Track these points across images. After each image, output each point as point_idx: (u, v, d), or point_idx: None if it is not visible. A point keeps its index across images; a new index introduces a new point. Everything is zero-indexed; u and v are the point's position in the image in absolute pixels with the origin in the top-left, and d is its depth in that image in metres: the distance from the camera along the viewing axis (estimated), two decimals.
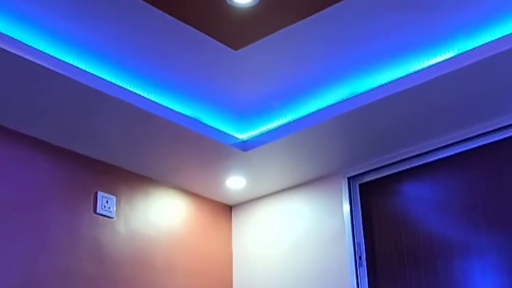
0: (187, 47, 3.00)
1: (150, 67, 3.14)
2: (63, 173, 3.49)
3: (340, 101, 3.34)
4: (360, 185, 3.81)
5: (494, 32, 2.93)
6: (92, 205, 3.56)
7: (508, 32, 2.90)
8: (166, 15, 2.71)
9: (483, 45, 2.95)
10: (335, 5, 2.71)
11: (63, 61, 2.96)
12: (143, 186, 3.84)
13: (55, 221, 3.38)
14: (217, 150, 3.62)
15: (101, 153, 3.60)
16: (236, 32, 2.84)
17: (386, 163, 3.70)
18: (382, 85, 3.21)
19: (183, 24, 2.77)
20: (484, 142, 3.41)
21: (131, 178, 3.79)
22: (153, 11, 2.71)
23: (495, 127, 3.35)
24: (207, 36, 2.85)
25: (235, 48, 2.95)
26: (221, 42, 2.89)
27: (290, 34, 2.91)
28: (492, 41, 2.93)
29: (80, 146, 3.53)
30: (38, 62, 2.84)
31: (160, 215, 3.88)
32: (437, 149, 3.54)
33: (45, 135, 3.41)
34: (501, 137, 3.36)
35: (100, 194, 3.60)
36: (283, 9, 2.70)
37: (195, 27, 2.78)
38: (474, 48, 2.97)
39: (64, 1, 2.71)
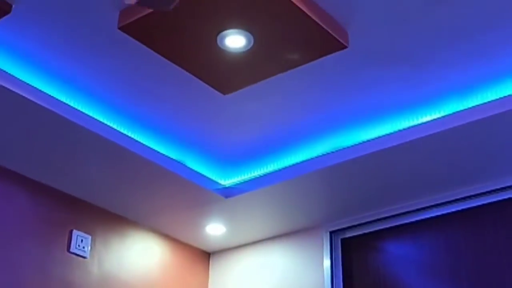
0: (175, 87, 2.97)
1: (135, 106, 3.11)
2: (39, 208, 3.41)
3: (326, 154, 3.32)
4: (342, 240, 3.76)
5: (482, 96, 2.94)
6: (66, 244, 3.48)
7: (497, 97, 2.90)
8: (155, 54, 2.68)
9: (471, 108, 2.96)
10: (326, 57, 2.69)
11: (44, 93, 2.91)
12: (120, 227, 3.77)
13: (28, 258, 3.29)
14: (199, 195, 3.57)
15: (79, 190, 3.54)
16: (227, 76, 2.81)
17: (370, 219, 3.67)
18: (368, 141, 3.20)
19: (171, 64, 2.75)
20: (468, 206, 3.39)
21: (108, 217, 3.72)
22: (141, 50, 2.68)
23: (480, 191, 3.35)
24: (196, 79, 2.83)
25: (224, 92, 2.92)
26: (211, 85, 2.86)
27: (279, 82, 2.89)
28: (480, 104, 2.93)
29: (58, 182, 3.46)
30: (17, 91, 2.80)
31: (135, 258, 3.79)
32: (421, 209, 3.52)
33: (21, 168, 3.34)
34: (485, 202, 3.35)
35: (75, 232, 3.52)
36: (275, 57, 2.68)
37: (185, 69, 2.75)
38: (461, 110, 2.97)
39: (51, 35, 2.67)
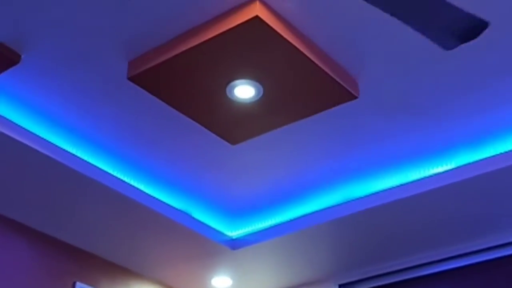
0: (183, 138, 2.95)
1: (141, 155, 3.08)
2: (42, 259, 3.35)
3: (335, 205, 3.27)
4: None
5: (493, 147, 2.91)
6: None
7: (507, 149, 2.87)
8: (163, 104, 2.67)
9: (482, 159, 2.92)
10: (335, 108, 2.67)
11: (49, 142, 2.90)
12: (124, 279, 3.69)
13: None
14: (205, 246, 3.51)
15: (82, 240, 3.48)
16: (235, 126, 2.79)
17: (379, 272, 3.61)
18: (378, 192, 3.16)
19: (180, 114, 2.73)
20: (481, 259, 3.33)
21: (112, 269, 3.65)
22: (149, 99, 2.66)
23: (493, 244, 3.29)
24: (204, 129, 2.80)
25: (233, 142, 2.89)
26: (219, 135, 2.84)
27: (287, 132, 2.86)
28: (492, 156, 2.90)
29: (61, 232, 3.41)
30: (21, 140, 2.78)
31: None
32: (432, 263, 3.47)
33: (23, 218, 3.29)
34: (498, 255, 3.28)
35: (78, 285, 3.45)
36: (285, 107, 2.66)
37: (194, 119, 2.73)
38: (473, 162, 2.94)
39: (60, 86, 2.67)
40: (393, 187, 3.12)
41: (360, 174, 3.16)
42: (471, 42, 2.38)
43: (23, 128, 2.81)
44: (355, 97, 2.61)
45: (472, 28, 1.91)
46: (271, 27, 2.28)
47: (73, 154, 2.97)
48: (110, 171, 3.10)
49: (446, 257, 3.42)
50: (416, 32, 2.35)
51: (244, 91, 2.57)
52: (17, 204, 3.18)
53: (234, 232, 3.59)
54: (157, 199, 3.28)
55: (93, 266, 3.57)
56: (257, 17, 2.24)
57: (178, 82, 2.53)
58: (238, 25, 2.27)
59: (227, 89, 2.56)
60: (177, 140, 2.97)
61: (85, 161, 3.01)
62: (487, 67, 2.54)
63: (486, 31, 2.33)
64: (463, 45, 2.41)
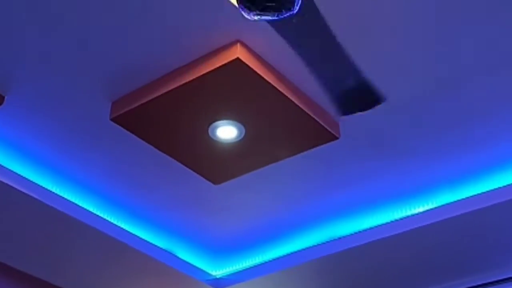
0: (166, 178, 2.96)
1: (125, 195, 3.08)
2: None
3: (317, 244, 3.27)
4: None
5: (475, 187, 2.93)
6: None
7: (489, 188, 2.90)
8: (148, 145, 2.68)
9: (464, 199, 2.95)
10: (318, 147, 2.69)
11: (40, 186, 2.90)
12: None
13: None
14: (189, 286, 3.50)
15: (67, 282, 3.45)
16: (218, 166, 2.80)
17: None
18: (361, 231, 3.16)
19: (164, 155, 2.74)
20: None
21: None
22: (132, 140, 2.68)
23: (477, 283, 3.27)
24: (188, 169, 2.81)
25: (215, 182, 2.90)
26: (202, 175, 2.85)
27: (270, 172, 2.88)
28: (473, 196, 2.92)
29: (50, 275, 3.39)
30: (9, 183, 2.78)
31: None
32: None
33: (13, 262, 3.26)
34: None
35: None
36: (266, 147, 2.69)
37: (177, 159, 2.75)
38: (455, 201, 2.96)
39: (44, 127, 2.68)
40: (376, 226, 3.13)
41: (342, 213, 3.17)
42: (451, 83, 2.44)
43: (6, 168, 2.81)
44: (336, 138, 2.63)
45: (369, 101, 1.99)
46: (251, 69, 2.32)
47: (58, 195, 2.97)
48: (95, 211, 3.10)
49: None
50: (395, 73, 2.40)
51: (226, 131, 2.59)
52: (8, 249, 3.16)
53: (218, 271, 3.57)
54: (141, 238, 3.27)
55: None
56: (237, 59, 2.27)
57: (160, 123, 2.55)
58: (220, 66, 2.31)
59: (210, 130, 2.58)
60: (161, 180, 2.98)
61: (70, 201, 3.01)
62: (467, 109, 2.58)
63: (459, 71, 2.39)
64: (441, 86, 2.47)
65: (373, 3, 2.16)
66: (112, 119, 2.54)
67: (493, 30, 2.25)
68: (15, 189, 2.79)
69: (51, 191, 2.94)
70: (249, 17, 1.50)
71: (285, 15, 1.50)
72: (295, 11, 1.49)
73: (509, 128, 2.68)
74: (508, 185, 2.85)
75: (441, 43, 2.30)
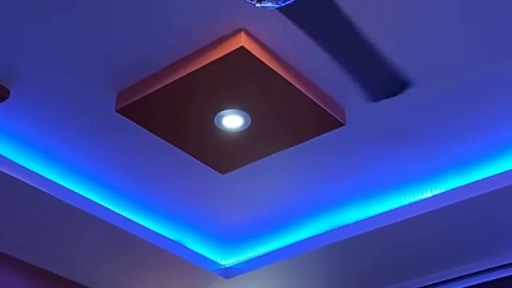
0: (172, 168, 2.96)
1: (132, 187, 3.09)
2: None
3: (326, 232, 3.27)
4: None
5: (483, 171, 2.92)
6: None
7: (497, 172, 2.89)
8: (154, 136, 2.68)
9: (471, 183, 2.93)
10: (324, 135, 2.69)
11: (47, 179, 2.91)
12: None
13: None
14: (198, 276, 3.50)
15: (74, 274, 3.47)
16: (224, 156, 2.80)
17: None
18: (369, 218, 3.16)
19: (170, 145, 2.74)
20: (472, 283, 3.32)
21: None
22: (139, 131, 2.68)
23: (484, 268, 3.28)
24: (194, 159, 2.82)
25: (223, 172, 2.90)
26: (209, 165, 2.85)
27: (277, 161, 2.88)
28: (481, 180, 2.91)
29: (58, 267, 3.41)
30: (14, 176, 2.78)
31: None
32: (427, 287, 3.43)
33: (21, 254, 3.28)
34: (490, 279, 3.27)
35: None
36: (272, 136, 2.68)
37: (183, 150, 2.75)
38: (462, 186, 2.95)
39: (49, 119, 2.68)
40: (383, 213, 3.12)
41: (350, 200, 3.17)
42: (457, 68, 2.43)
43: (15, 163, 2.81)
44: (342, 125, 2.63)
45: (396, 87, 1.98)
46: (256, 57, 2.31)
47: (64, 187, 2.98)
48: (102, 203, 3.11)
49: (437, 282, 3.40)
50: (401, 60, 2.39)
51: (232, 120, 2.59)
52: (12, 240, 3.18)
53: (227, 261, 3.58)
54: (149, 229, 3.28)
55: None
56: (242, 47, 2.27)
57: (166, 113, 2.55)
58: (224, 55, 2.30)
59: (215, 119, 2.58)
60: (167, 170, 2.98)
61: (76, 193, 3.01)
62: (474, 94, 2.57)
63: (465, 57, 2.38)
64: (447, 73, 2.46)
65: None
66: (117, 110, 2.55)
67: (494, 16, 2.23)
68: (23, 182, 2.80)
69: (58, 184, 2.95)
70: (254, 3, 1.49)
71: (290, 1, 1.48)
72: None
73: None
74: None
75: (442, 29, 2.29)
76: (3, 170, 2.75)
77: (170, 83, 2.42)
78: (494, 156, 2.89)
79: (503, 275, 3.25)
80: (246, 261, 3.51)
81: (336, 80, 2.50)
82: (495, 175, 2.89)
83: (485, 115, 2.67)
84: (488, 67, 2.45)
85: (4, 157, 2.79)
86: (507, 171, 2.86)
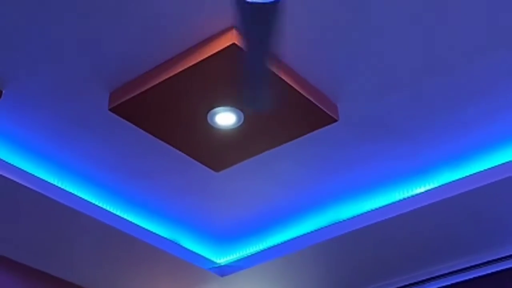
0: (166, 166, 2.96)
1: (126, 186, 3.09)
2: None
3: (321, 228, 3.28)
4: None
5: (475, 165, 2.94)
6: None
7: (489, 166, 2.90)
8: (147, 135, 2.69)
9: (464, 177, 2.95)
10: (318, 131, 2.70)
11: (40, 179, 2.91)
12: None
13: None
14: (193, 274, 3.50)
15: (69, 273, 3.46)
16: (218, 154, 2.81)
17: None
18: (363, 214, 3.17)
19: (164, 144, 2.75)
20: (467, 277, 3.33)
21: None
22: (132, 130, 2.68)
23: (479, 262, 3.29)
24: (188, 157, 2.82)
25: (216, 170, 2.91)
26: (203, 163, 2.86)
27: (270, 158, 2.89)
28: (473, 174, 2.93)
29: (53, 268, 3.40)
30: (5, 175, 2.78)
31: None
32: (419, 282, 3.46)
33: (16, 255, 3.28)
34: (484, 272, 3.29)
35: None
36: (265, 133, 2.69)
37: (177, 148, 2.75)
38: (455, 181, 2.97)
39: (42, 119, 2.68)
40: (377, 209, 3.13)
41: (343, 197, 3.18)
42: (448, 63, 2.45)
43: (6, 162, 2.81)
44: (335, 120, 2.64)
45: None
46: None
47: (58, 187, 2.98)
48: (96, 202, 3.11)
49: (432, 277, 3.41)
50: (393, 53, 2.40)
51: (225, 118, 2.60)
52: (4, 240, 3.17)
53: (222, 259, 3.58)
54: (143, 228, 3.28)
55: None
56: (234, 44, 2.28)
57: (159, 111, 2.56)
58: (216, 53, 2.31)
59: (208, 117, 2.59)
60: (161, 169, 2.99)
61: (71, 193, 3.01)
62: (465, 88, 2.58)
63: (456, 51, 2.39)
64: (438, 67, 2.47)
65: None
66: (110, 109, 2.55)
67: (491, 8, 2.25)
68: (16, 182, 2.80)
69: (51, 184, 2.95)
70: None
71: None
72: None
73: (506, 107, 2.68)
74: (507, 162, 2.86)
75: (438, 23, 2.30)
76: None
77: (163, 81, 2.43)
78: (486, 150, 2.90)
79: (496, 269, 3.26)
80: (241, 259, 3.51)
81: (329, 76, 2.51)
82: (486, 169, 2.91)
83: (476, 110, 2.69)
84: (478, 63, 2.46)
85: None
86: (498, 165, 2.88)
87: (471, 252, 3.29)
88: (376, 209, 3.13)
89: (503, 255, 3.23)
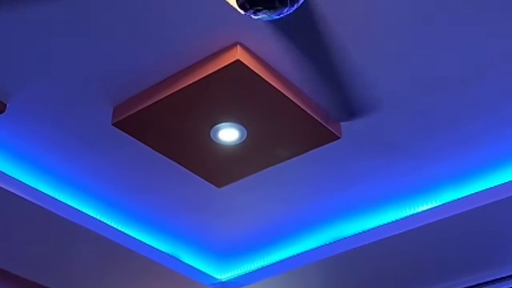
0: (168, 181, 2.96)
1: (128, 200, 3.08)
2: None
3: (323, 245, 3.26)
4: None
5: (479, 183, 2.93)
6: None
7: (493, 185, 2.89)
8: (150, 150, 2.68)
9: (468, 196, 2.94)
10: (320, 148, 2.69)
11: (42, 192, 2.90)
12: None
13: None
14: None
15: (69, 286, 3.45)
16: (221, 169, 2.80)
17: None
18: (367, 231, 3.16)
19: (166, 159, 2.75)
20: None
21: None
22: (135, 144, 2.68)
23: (483, 281, 3.27)
24: (190, 173, 2.82)
25: (219, 185, 2.90)
26: (205, 179, 2.85)
27: (273, 174, 2.88)
28: (478, 192, 2.92)
29: (52, 281, 3.38)
30: (8, 189, 2.77)
31: None
32: None
33: (14, 268, 3.26)
34: None
35: None
36: (269, 149, 2.69)
37: (179, 163, 2.75)
38: (459, 199, 2.95)
39: (45, 133, 2.68)
40: (380, 226, 3.12)
41: (346, 214, 3.17)
42: (451, 81, 2.45)
43: (9, 176, 2.81)
44: (338, 138, 2.63)
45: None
46: (252, 70, 2.32)
47: (60, 201, 2.97)
48: (97, 216, 3.10)
49: None
50: (395, 70, 2.40)
51: (228, 134, 2.59)
52: (4, 252, 3.16)
53: (224, 275, 3.57)
54: (144, 243, 3.27)
55: None
56: (238, 60, 2.28)
57: (162, 126, 2.56)
58: (220, 69, 2.31)
59: (211, 133, 2.58)
60: (164, 184, 2.98)
61: (72, 207, 3.01)
62: (469, 105, 2.57)
63: (459, 70, 2.39)
64: (442, 85, 2.47)
65: (372, 2, 2.16)
66: (113, 124, 2.55)
67: (492, 29, 2.25)
68: (18, 196, 2.80)
69: (53, 197, 2.94)
70: (250, 15, 1.49)
71: (285, 13, 1.49)
72: (293, 8, 1.48)
73: (510, 124, 2.67)
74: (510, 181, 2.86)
75: (441, 42, 2.30)
76: None
77: (166, 96, 2.43)
78: (490, 168, 2.89)
79: (506, 287, 3.24)
80: (243, 275, 3.50)
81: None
82: (490, 188, 2.89)
83: (480, 127, 2.68)
84: (482, 80, 2.46)
85: (0, 171, 2.79)
86: (502, 184, 2.87)
87: (474, 270, 3.27)
88: (379, 226, 3.12)
89: (506, 274, 3.21)
